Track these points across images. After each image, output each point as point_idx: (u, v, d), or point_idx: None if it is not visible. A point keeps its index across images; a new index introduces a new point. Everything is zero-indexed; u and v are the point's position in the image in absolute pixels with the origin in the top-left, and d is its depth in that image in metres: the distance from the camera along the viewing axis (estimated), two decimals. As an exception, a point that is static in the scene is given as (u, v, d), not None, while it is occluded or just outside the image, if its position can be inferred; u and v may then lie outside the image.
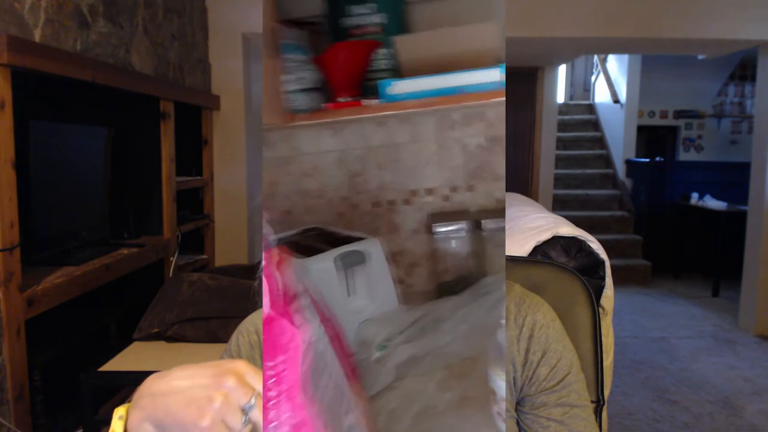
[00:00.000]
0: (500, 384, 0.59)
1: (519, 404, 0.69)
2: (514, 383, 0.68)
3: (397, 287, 1.38)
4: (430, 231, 1.24)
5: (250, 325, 0.74)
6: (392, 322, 0.75)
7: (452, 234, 1.24)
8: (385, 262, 0.97)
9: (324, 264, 0.78)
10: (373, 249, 0.91)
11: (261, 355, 0.71)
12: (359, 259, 0.85)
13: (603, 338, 0.90)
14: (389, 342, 0.76)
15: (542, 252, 1.02)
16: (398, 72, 1.02)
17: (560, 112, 5.45)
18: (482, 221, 1.22)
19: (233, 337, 0.74)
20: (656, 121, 6.06)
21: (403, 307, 1.03)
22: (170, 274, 2.40)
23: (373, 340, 0.76)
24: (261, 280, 0.78)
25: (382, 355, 0.78)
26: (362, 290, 0.86)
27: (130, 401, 0.52)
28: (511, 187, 4.81)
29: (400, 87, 1.17)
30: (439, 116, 1.38)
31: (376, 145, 1.20)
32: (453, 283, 1.26)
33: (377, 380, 0.73)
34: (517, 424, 0.70)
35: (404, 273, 1.46)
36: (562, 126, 5.81)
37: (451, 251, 1.26)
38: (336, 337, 0.68)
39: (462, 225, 1.23)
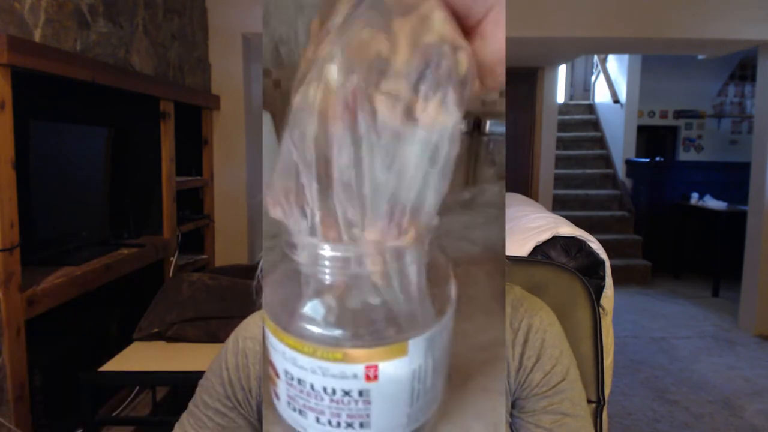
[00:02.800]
0: None
1: (512, 408, 0.68)
2: (508, 387, 0.67)
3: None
4: None
5: (246, 331, 0.71)
6: (272, 219, 0.61)
7: None
8: (272, 137, 0.81)
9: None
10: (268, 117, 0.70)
11: (254, 362, 0.68)
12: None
13: (603, 338, 0.90)
14: (262, 244, 0.64)
15: (542, 252, 1.02)
16: None
17: (560, 112, 5.45)
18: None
19: (229, 343, 0.71)
20: (656, 121, 6.06)
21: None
22: (170, 274, 2.40)
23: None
24: (260, 280, 0.76)
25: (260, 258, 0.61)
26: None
27: None
28: (511, 187, 4.80)
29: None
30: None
31: (309, 4, 0.95)
32: None
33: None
34: (511, 428, 0.69)
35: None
36: (562, 126, 5.81)
37: None
38: None
39: None
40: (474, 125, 1.13)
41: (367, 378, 0.42)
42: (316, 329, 0.41)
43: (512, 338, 0.67)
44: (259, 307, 0.71)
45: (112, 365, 1.60)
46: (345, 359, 0.41)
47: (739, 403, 2.65)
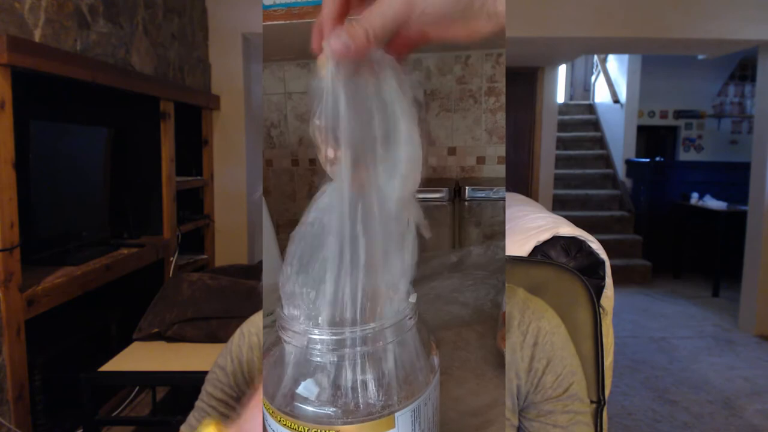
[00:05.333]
0: None
1: (524, 411, 0.69)
2: (518, 391, 0.68)
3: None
4: None
5: (252, 326, 0.72)
6: (270, 297, 0.66)
7: None
8: (270, 226, 0.83)
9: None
10: (263, 203, 0.75)
11: (260, 357, 0.70)
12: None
13: (603, 338, 0.90)
14: (261, 323, 0.71)
15: (542, 252, 1.02)
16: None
17: (560, 112, 5.45)
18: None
19: (234, 337, 0.73)
20: (656, 121, 6.06)
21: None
22: (170, 274, 2.40)
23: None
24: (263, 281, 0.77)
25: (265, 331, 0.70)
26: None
27: None
28: (511, 187, 4.77)
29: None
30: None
31: (297, 91, 1.06)
32: None
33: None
34: (518, 430, 0.69)
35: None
36: (562, 126, 5.81)
37: None
38: None
39: None
40: (454, 192, 1.17)
41: None
42: (310, 408, 0.43)
43: (521, 341, 0.68)
44: (260, 307, 0.72)
45: (112, 365, 1.59)
46: None
47: (739, 403, 2.65)
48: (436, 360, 0.49)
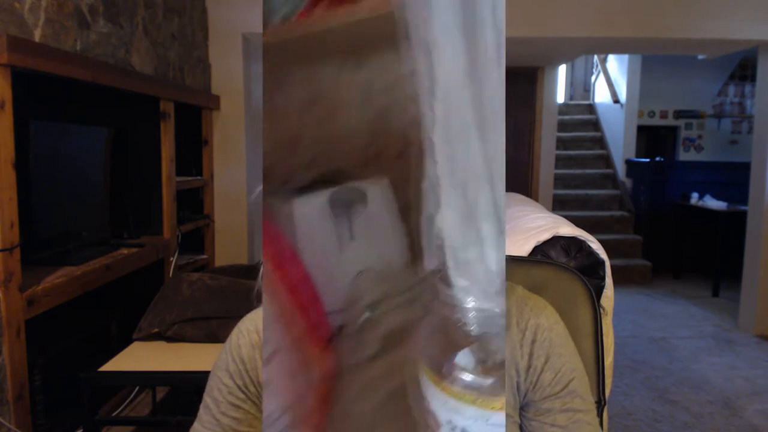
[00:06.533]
0: None
1: (523, 409, 0.69)
2: (518, 388, 0.68)
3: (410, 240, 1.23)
4: None
5: (250, 324, 0.72)
6: (392, 278, 0.61)
7: None
8: (395, 206, 0.81)
9: (315, 201, 0.64)
10: (377, 188, 0.73)
11: (261, 356, 0.70)
12: (358, 198, 0.69)
13: (603, 338, 0.90)
14: (381, 303, 0.66)
15: (542, 252, 1.02)
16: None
17: (560, 112, 5.45)
18: None
19: (233, 336, 0.72)
20: (656, 121, 6.06)
21: (413, 264, 0.89)
22: (170, 274, 2.40)
23: (362, 298, 0.63)
24: (262, 280, 0.76)
25: (367, 319, 0.63)
26: (361, 236, 0.68)
27: None
28: (511, 187, 4.76)
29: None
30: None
31: (406, 72, 0.97)
32: None
33: (358, 348, 0.62)
34: (520, 428, 0.69)
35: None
36: (562, 126, 5.81)
37: None
38: (298, 286, 0.57)
39: None
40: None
41: None
42: (469, 378, 0.44)
43: (520, 338, 0.68)
44: (257, 306, 0.72)
45: (112, 365, 1.59)
46: (503, 408, 0.44)
47: (739, 403, 2.65)
48: None
